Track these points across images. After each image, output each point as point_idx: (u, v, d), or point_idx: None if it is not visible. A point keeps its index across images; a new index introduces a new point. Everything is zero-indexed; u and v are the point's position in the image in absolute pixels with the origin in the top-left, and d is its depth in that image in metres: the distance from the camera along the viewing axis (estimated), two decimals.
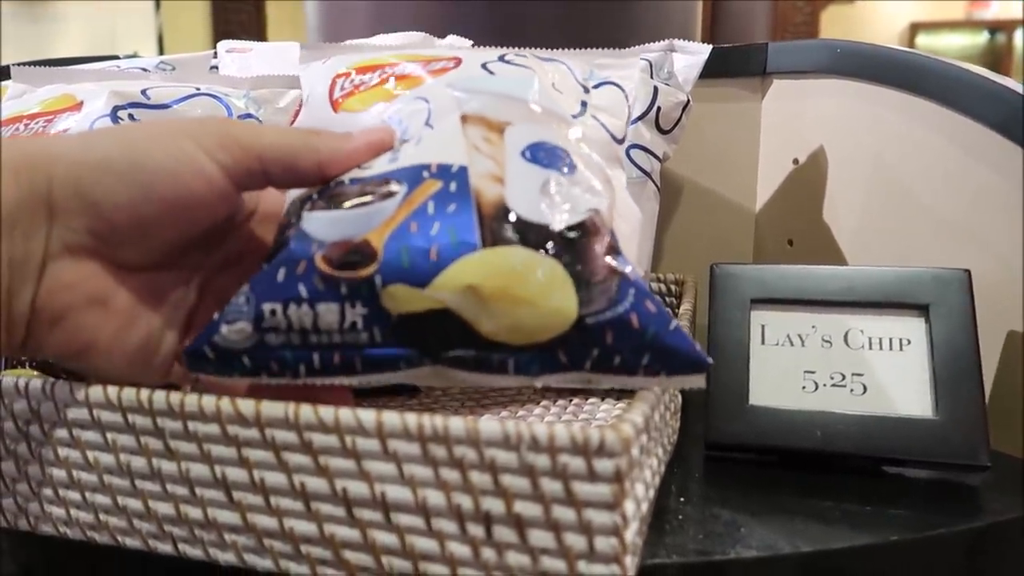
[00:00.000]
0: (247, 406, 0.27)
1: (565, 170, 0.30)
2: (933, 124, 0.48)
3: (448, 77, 0.36)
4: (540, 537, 0.26)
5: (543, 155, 0.31)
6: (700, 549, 0.32)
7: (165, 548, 0.30)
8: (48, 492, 0.31)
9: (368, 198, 0.29)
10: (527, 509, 0.25)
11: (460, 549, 0.26)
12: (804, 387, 0.41)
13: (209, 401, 0.28)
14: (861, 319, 0.42)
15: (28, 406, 0.30)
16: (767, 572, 0.32)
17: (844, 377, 0.41)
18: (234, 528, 0.29)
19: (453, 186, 0.29)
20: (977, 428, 0.38)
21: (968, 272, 0.41)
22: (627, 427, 0.25)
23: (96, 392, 0.29)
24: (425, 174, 0.30)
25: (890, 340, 0.41)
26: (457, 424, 0.25)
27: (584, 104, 0.40)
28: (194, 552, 0.30)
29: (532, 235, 0.28)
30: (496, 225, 0.28)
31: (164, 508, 0.30)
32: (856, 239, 0.54)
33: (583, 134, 0.35)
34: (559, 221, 0.28)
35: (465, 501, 0.26)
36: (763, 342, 0.43)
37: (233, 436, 0.28)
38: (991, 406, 0.44)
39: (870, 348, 0.41)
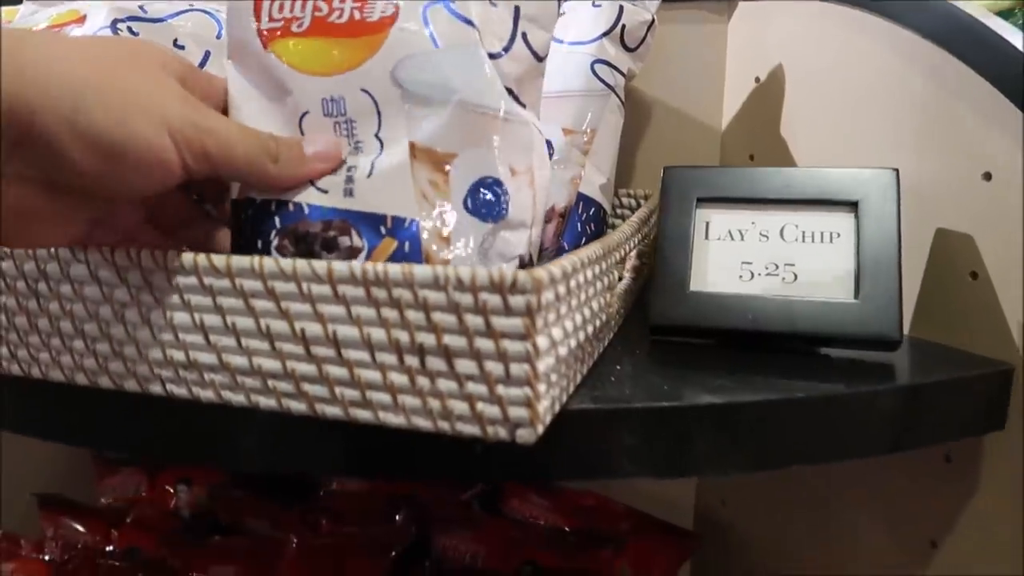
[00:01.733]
0: (219, 260, 0.32)
1: (501, 212, 0.35)
2: (878, 37, 0.50)
3: (389, 47, 0.35)
4: (465, 365, 0.30)
5: (482, 201, 0.34)
6: (623, 398, 0.36)
7: (156, 389, 0.35)
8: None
9: (335, 255, 0.34)
10: (454, 341, 0.30)
11: (400, 379, 0.31)
12: (741, 276, 0.45)
13: (188, 256, 0.32)
14: (797, 215, 0.45)
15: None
16: (680, 419, 0.36)
17: (777, 267, 0.45)
18: (212, 367, 0.34)
19: (407, 247, 0.34)
20: (892, 308, 0.42)
21: (896, 171, 0.44)
22: (540, 271, 0.29)
23: (93, 254, 0.34)
24: (382, 229, 0.34)
25: (822, 234, 0.45)
26: (395, 269, 0.30)
27: (516, 22, 0.37)
28: (180, 391, 0.35)
29: None
30: None
31: (154, 353, 0.34)
32: (810, 151, 0.57)
33: (511, 72, 0.36)
34: None
35: (403, 336, 0.30)
36: (707, 237, 0.46)
37: (208, 286, 0.32)
38: (920, 297, 0.48)
39: (803, 241, 0.45)
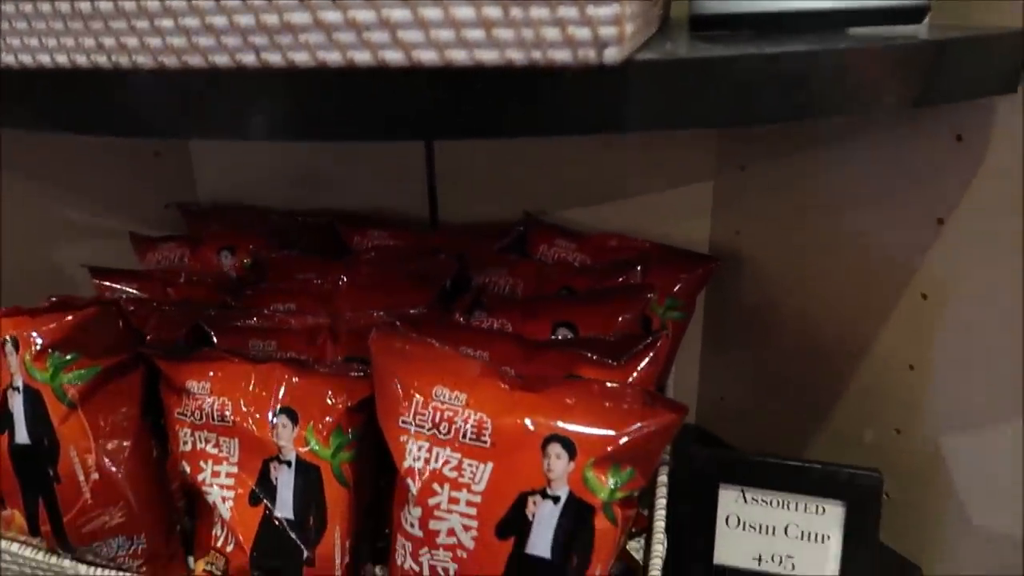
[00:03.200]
0: None
1: None
2: None
3: None
4: None
5: None
6: (680, 55, 0.39)
7: (250, 59, 0.37)
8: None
9: None
10: None
11: (493, 12, 0.33)
12: None
13: None
14: None
15: None
16: (732, 68, 0.39)
17: None
18: (305, 28, 0.36)
19: None
20: None
21: None
22: None
23: None
24: None
25: None
26: None
27: None
28: (275, 59, 0.37)
29: None
30: None
31: (246, 20, 0.36)
32: None
33: None
34: None
35: None
36: None
37: None
38: None
39: None
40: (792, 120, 0.45)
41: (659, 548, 0.56)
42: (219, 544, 0.55)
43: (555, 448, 0.46)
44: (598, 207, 0.79)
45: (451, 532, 0.47)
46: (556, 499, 0.45)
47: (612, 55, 0.33)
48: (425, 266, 0.67)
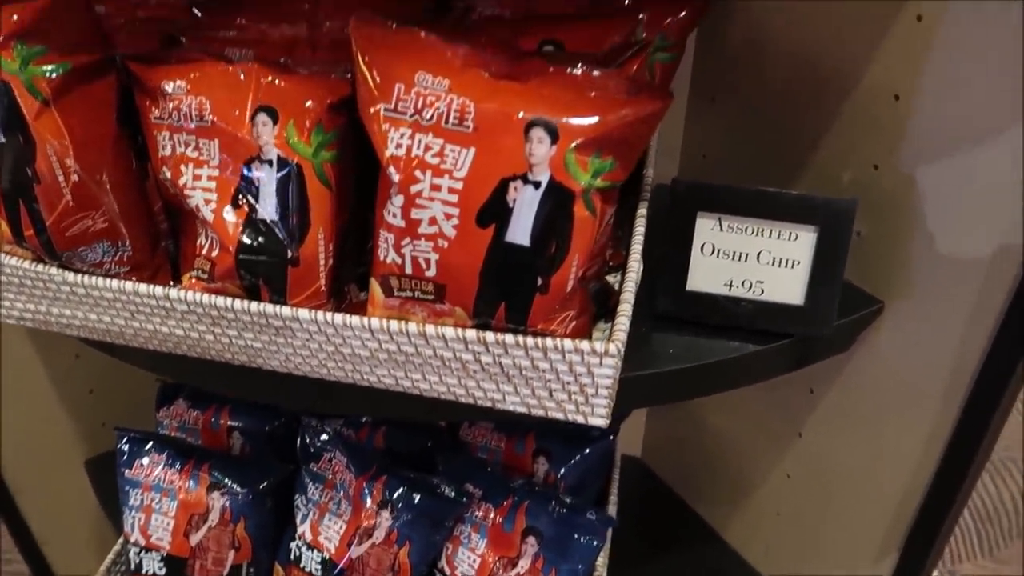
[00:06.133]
0: None
1: None
2: None
3: None
4: None
5: None
6: None
7: None
8: None
9: None
10: None
11: None
12: None
13: None
14: None
15: None
16: None
17: None
18: None
19: None
20: None
21: None
22: None
23: None
24: None
25: None
26: None
27: None
28: None
29: None
30: None
31: None
32: None
33: None
34: None
35: None
36: None
37: None
38: None
39: None
40: None
41: (635, 267, 0.57)
42: (204, 252, 0.56)
43: (538, 132, 0.45)
44: None
45: (433, 221, 0.48)
46: (537, 184, 0.46)
47: None
48: None
